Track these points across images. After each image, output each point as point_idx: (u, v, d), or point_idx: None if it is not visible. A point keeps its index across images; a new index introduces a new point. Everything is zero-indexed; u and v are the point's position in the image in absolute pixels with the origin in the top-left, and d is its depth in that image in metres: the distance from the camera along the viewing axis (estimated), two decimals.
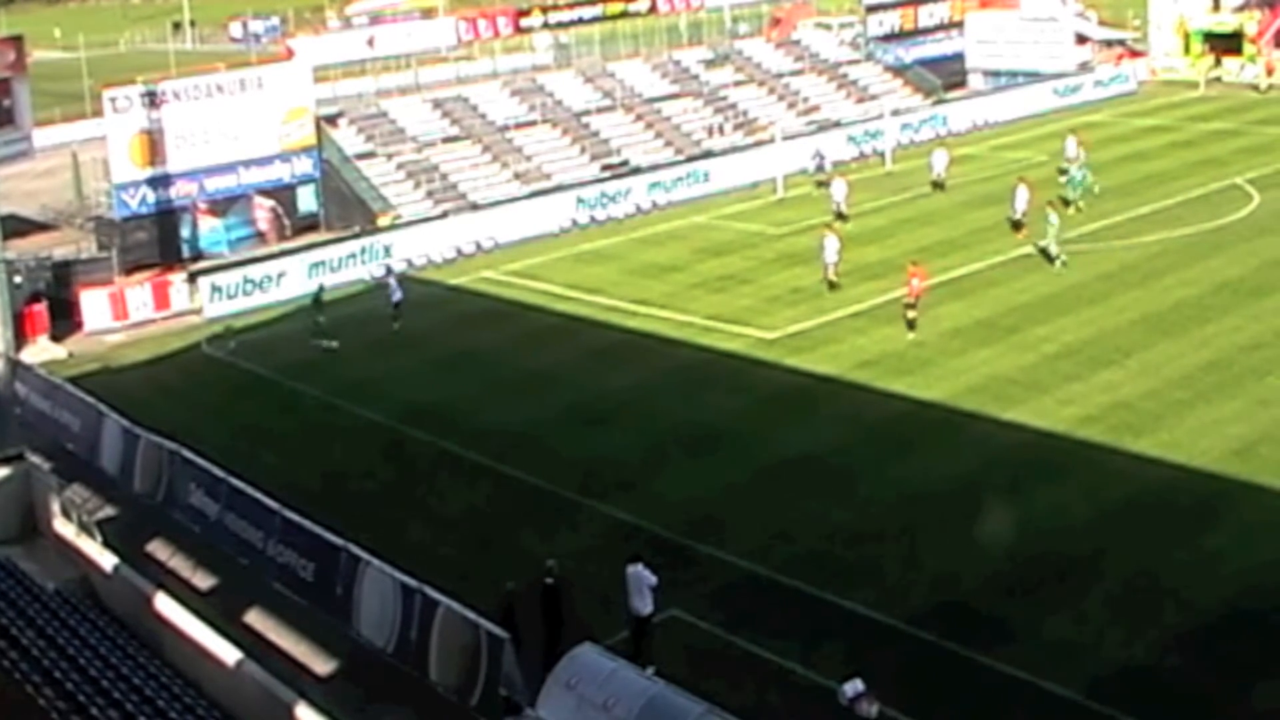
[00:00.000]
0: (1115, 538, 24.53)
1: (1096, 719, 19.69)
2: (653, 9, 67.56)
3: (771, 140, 56.27)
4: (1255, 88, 67.47)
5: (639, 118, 62.04)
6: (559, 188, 53.98)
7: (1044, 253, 40.85)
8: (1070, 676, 20.53)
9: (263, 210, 52.06)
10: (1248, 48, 72.63)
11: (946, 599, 23.10)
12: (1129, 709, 19.70)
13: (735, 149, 59.09)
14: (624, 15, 67.14)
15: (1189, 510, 25.54)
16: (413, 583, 21.83)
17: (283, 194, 52.52)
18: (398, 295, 40.50)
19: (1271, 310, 35.53)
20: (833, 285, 39.73)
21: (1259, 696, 20.02)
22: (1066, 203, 45.52)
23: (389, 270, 44.81)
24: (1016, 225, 43.34)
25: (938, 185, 51.14)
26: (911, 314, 35.58)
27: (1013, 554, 24.35)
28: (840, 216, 46.58)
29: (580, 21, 67.27)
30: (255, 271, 44.82)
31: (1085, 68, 72.83)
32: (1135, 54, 77.11)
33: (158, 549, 26.95)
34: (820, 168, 54.32)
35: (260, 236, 51.80)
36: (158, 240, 49.27)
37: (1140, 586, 23.06)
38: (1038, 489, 26.68)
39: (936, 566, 24.04)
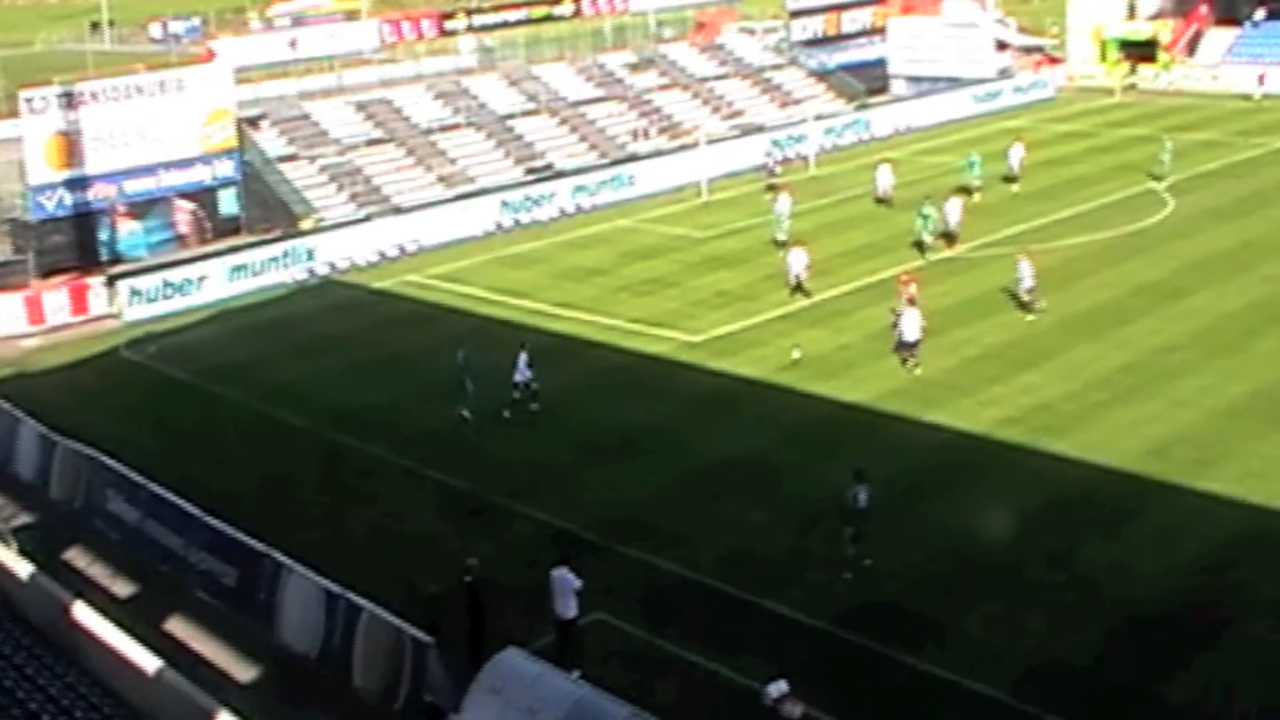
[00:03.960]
0: (1036, 537, 24.84)
1: (1021, 717, 19.93)
2: (577, 13, 67.51)
3: (696, 144, 56.46)
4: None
5: (563, 121, 61.98)
6: (483, 191, 53.79)
7: (919, 245, 42.74)
8: (995, 675, 20.76)
9: (183, 213, 51.46)
10: (1162, 55, 73.98)
11: (871, 599, 23.27)
12: (1052, 706, 19.97)
13: (660, 153, 59.24)
14: (548, 19, 67.06)
15: (1108, 510, 25.92)
16: (336, 588, 21.66)
17: (204, 196, 51.93)
18: (524, 375, 32.37)
19: (1186, 313, 36.18)
20: (806, 292, 39.38)
21: (1175, 691, 20.35)
22: (971, 191, 46.92)
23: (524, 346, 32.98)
24: (949, 237, 43.54)
25: (883, 201, 50.03)
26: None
27: (936, 554, 24.59)
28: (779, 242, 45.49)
29: (505, 25, 67.11)
30: (176, 275, 44.31)
31: (1005, 74, 73.78)
32: (1054, 61, 78.23)
33: (76, 557, 26.53)
34: (771, 171, 54.70)
35: (181, 240, 51.18)
36: (75, 243, 48.53)
37: (1061, 585, 23.39)
38: (960, 490, 26.97)
39: (861, 567, 24.17)
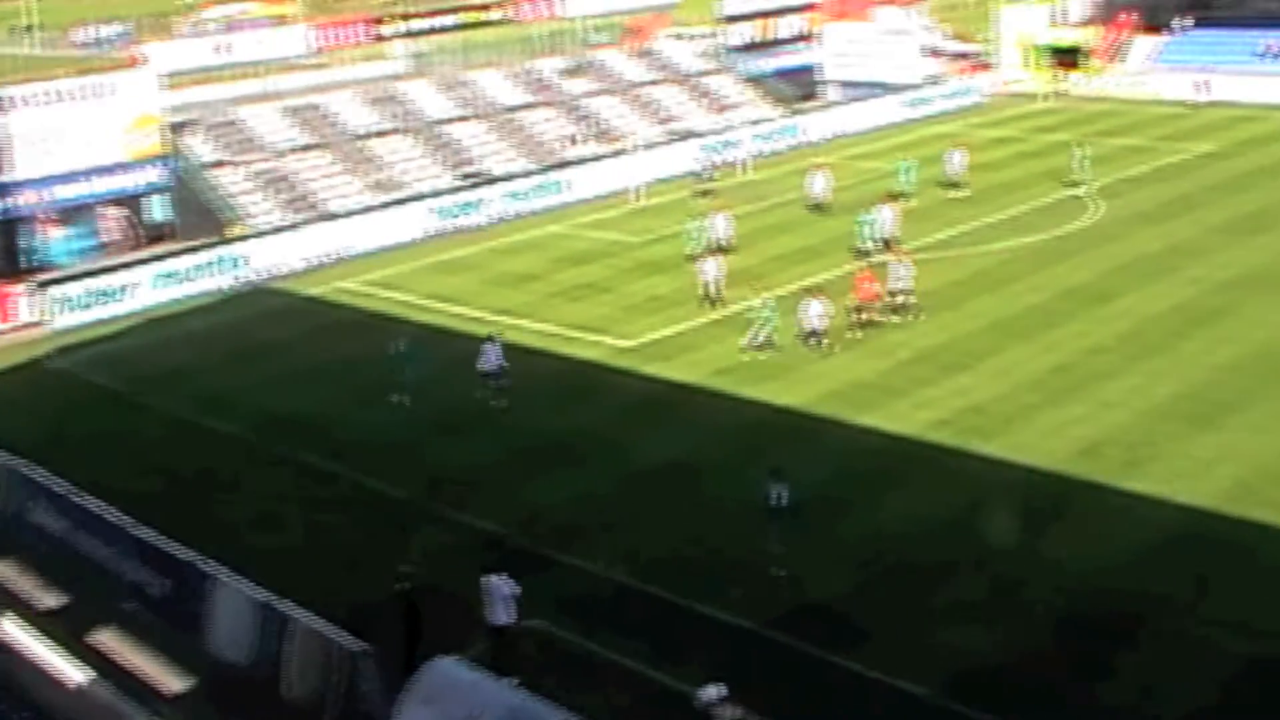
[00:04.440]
0: (966, 539, 25.03)
1: (952, 717, 20.08)
2: (510, 18, 67.33)
3: (629, 150, 56.47)
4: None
5: (496, 127, 61.77)
6: (415, 197, 53.50)
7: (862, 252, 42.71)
8: (925, 676, 20.90)
9: (111, 220, 50.76)
10: (1089, 62, 74.90)
11: (804, 602, 23.38)
12: (982, 706, 20.13)
13: (593, 158, 59.18)
14: (481, 24, 66.82)
15: (1038, 510, 26.19)
16: (266, 598, 21.44)
17: (132, 203, 51.24)
18: (492, 363, 33.07)
19: (1114, 315, 36.64)
20: (714, 302, 39.28)
21: (1105, 691, 20.57)
22: (904, 197, 47.51)
23: (491, 338, 33.89)
24: (887, 244, 43.36)
25: (818, 208, 50.00)
26: (863, 316, 36.01)
27: (867, 556, 24.75)
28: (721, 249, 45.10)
29: (437, 30, 66.79)
30: (104, 282, 43.73)
31: (934, 80, 74.36)
32: (983, 67, 78.97)
33: (1, 569, 26.11)
34: (707, 175, 54.81)
35: (108, 247, 50.48)
36: (0, 250, 47.79)
37: (991, 586, 23.59)
38: (892, 492, 27.15)
39: (794, 570, 24.26)
